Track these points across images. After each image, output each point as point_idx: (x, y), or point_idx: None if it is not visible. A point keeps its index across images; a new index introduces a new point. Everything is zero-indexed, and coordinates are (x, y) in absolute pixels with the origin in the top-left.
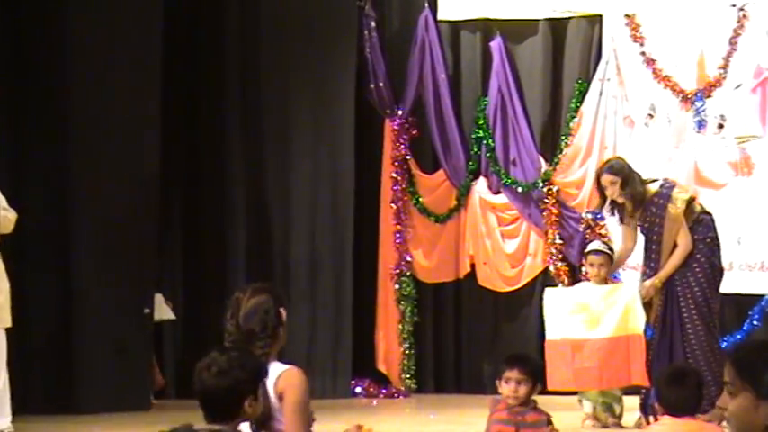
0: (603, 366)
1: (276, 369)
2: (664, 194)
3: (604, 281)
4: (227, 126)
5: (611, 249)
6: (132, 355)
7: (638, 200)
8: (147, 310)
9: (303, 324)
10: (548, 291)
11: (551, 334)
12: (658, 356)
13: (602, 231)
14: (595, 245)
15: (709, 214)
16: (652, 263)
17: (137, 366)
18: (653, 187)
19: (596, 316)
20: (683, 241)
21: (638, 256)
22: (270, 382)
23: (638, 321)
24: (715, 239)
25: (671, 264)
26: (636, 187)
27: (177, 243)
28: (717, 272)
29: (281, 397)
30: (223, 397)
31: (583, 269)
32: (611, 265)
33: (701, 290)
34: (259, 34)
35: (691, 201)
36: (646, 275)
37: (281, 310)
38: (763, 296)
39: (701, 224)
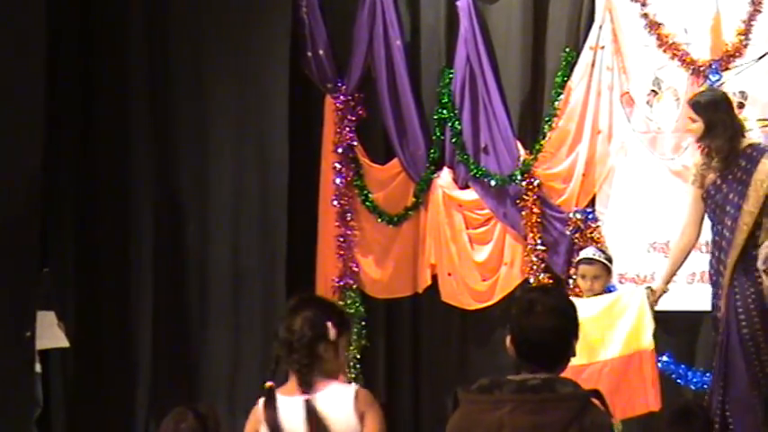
0: (614, 393)
1: (341, 390)
2: (760, 149)
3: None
4: (129, 111)
5: (608, 258)
6: (8, 392)
7: (723, 156)
8: (28, 334)
9: (225, 350)
10: None
11: None
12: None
13: (596, 235)
14: (588, 252)
15: None
16: (718, 251)
17: (14, 403)
18: (752, 137)
19: (595, 339)
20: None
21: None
22: (344, 403)
23: (649, 334)
24: None
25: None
26: (717, 140)
27: (69, 253)
28: None
29: (362, 417)
30: (552, 339)
31: (571, 282)
32: (608, 277)
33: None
34: None
35: None
36: (712, 268)
37: (329, 324)
38: None
39: None
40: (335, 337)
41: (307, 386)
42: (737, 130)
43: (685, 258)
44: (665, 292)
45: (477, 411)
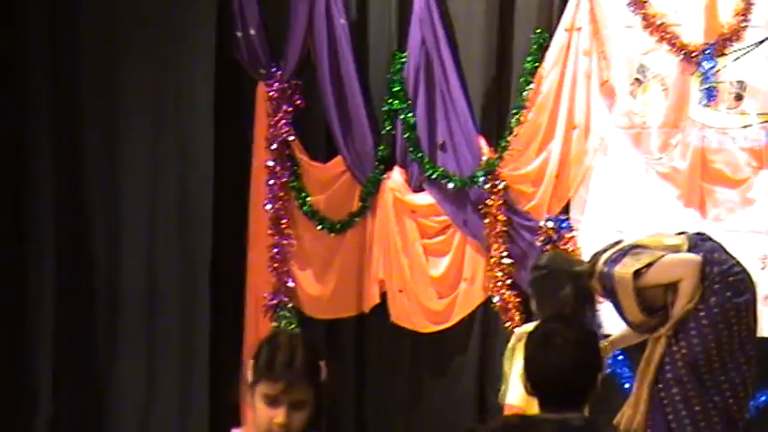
0: None
1: None
2: (606, 276)
3: None
4: (26, 101)
5: None
6: None
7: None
8: None
9: (138, 379)
10: (519, 331)
11: (514, 396)
12: None
13: (571, 247)
14: None
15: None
16: None
17: None
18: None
19: None
20: None
21: None
22: None
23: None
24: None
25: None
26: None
27: None
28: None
29: None
30: (575, 376)
31: None
32: None
33: None
34: None
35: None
36: None
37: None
38: None
39: None
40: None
41: None
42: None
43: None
44: (606, 351)
45: None
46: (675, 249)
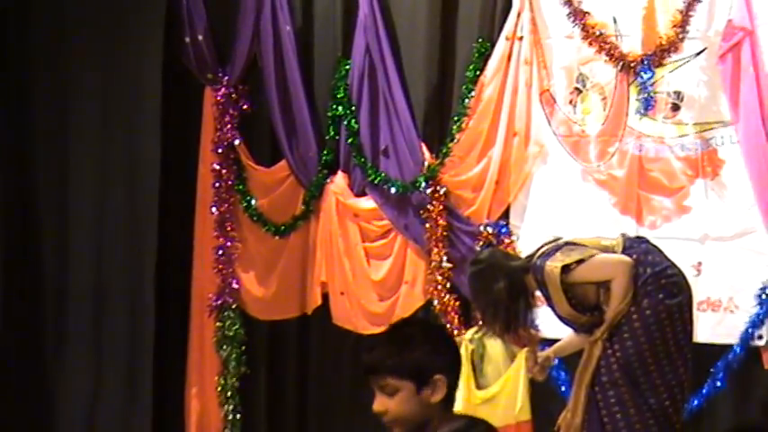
0: None
1: None
2: (536, 267)
3: None
4: None
5: None
6: None
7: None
8: None
9: (85, 379)
10: (473, 332)
11: (460, 405)
12: None
13: (510, 251)
14: None
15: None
16: None
17: None
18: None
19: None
20: None
21: None
22: None
23: (523, 403)
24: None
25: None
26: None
27: None
28: None
29: None
30: None
31: None
32: None
33: None
34: None
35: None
36: None
37: None
38: (729, 347)
39: None
40: None
41: None
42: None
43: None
44: (549, 360)
45: None
46: (610, 249)
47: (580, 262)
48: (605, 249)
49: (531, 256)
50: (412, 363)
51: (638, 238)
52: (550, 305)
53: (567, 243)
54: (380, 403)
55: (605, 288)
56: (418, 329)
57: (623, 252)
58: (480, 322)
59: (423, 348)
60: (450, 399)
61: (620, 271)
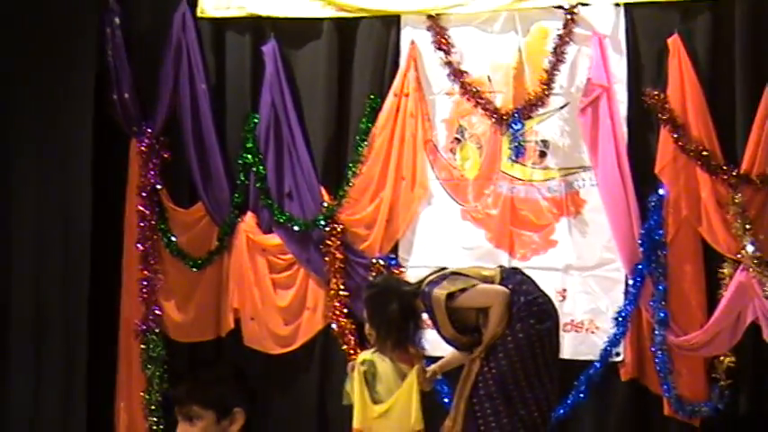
0: None
1: None
2: (425, 293)
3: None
4: None
5: None
6: None
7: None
8: None
9: (26, 396)
10: (364, 354)
11: (356, 420)
12: None
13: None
14: None
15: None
16: None
17: None
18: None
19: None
20: None
21: None
22: None
23: (416, 413)
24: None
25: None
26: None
27: None
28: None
29: None
30: None
31: None
32: None
33: None
34: None
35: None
36: None
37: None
38: (590, 363)
39: None
40: None
41: None
42: (403, 313)
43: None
44: (435, 374)
45: None
46: (489, 279)
47: (463, 290)
48: (485, 279)
49: (420, 283)
50: (216, 395)
51: (513, 269)
52: (436, 327)
53: (452, 273)
54: (183, 430)
55: (484, 313)
56: (223, 369)
57: (501, 282)
58: (373, 342)
59: (226, 384)
60: (246, 429)
61: (498, 300)
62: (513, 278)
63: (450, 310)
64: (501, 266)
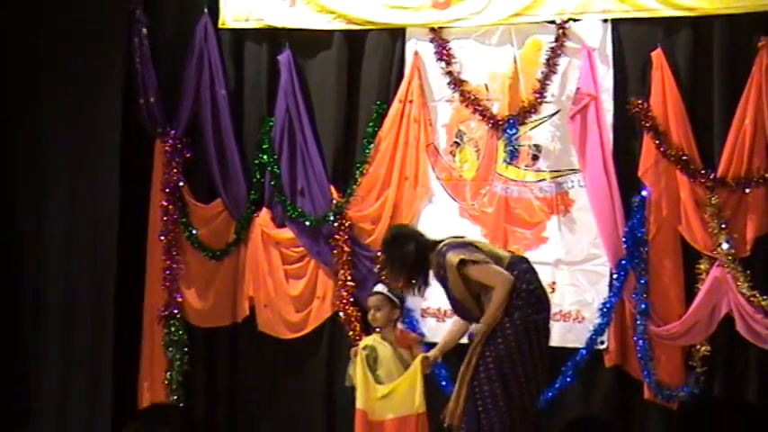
0: None
1: None
2: (441, 252)
3: (388, 327)
4: None
5: (392, 292)
6: None
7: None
8: None
9: (56, 376)
10: (366, 340)
11: (359, 401)
12: None
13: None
14: (376, 287)
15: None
16: None
17: None
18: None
19: (378, 399)
20: None
21: (437, 300)
22: None
23: (421, 397)
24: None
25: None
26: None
27: None
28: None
29: None
30: None
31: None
32: (391, 310)
33: None
34: (5, 38)
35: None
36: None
37: None
38: (577, 350)
39: None
40: None
41: None
42: (418, 256)
43: (462, 336)
44: (437, 359)
45: None
46: (501, 262)
47: (475, 263)
48: (498, 260)
49: (439, 242)
50: None
51: (522, 258)
52: (446, 288)
53: (471, 243)
54: None
55: (485, 291)
56: (173, 410)
57: (509, 266)
58: (386, 278)
59: (176, 423)
60: None
61: (502, 284)
62: (520, 265)
63: (461, 275)
64: (512, 252)
